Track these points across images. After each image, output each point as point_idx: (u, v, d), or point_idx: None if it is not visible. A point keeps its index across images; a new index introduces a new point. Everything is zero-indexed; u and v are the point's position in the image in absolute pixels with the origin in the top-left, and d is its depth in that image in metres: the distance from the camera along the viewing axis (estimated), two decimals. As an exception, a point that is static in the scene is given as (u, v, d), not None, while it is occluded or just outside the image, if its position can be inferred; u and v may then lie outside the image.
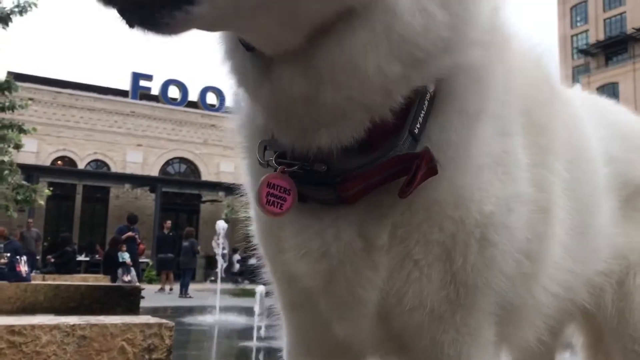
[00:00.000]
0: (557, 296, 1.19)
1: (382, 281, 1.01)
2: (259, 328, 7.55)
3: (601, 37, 60.92)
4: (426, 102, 0.95)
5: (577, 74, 62.23)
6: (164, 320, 3.77)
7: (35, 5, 15.82)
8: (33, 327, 3.44)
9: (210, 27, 0.87)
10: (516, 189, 1.03)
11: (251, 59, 0.95)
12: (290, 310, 1.24)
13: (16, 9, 15.64)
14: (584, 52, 62.72)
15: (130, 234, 16.47)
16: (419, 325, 1.03)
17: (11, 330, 3.40)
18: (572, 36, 65.10)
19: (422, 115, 0.94)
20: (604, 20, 61.65)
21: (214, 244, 12.61)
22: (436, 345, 1.04)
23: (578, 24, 64.96)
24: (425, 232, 0.98)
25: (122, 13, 0.79)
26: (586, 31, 63.33)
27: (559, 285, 1.18)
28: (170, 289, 17.55)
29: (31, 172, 21.67)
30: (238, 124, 1.13)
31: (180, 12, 0.77)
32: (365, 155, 0.95)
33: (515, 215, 1.03)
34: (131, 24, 0.80)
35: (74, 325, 3.51)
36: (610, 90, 53.95)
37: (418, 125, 0.94)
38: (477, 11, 0.95)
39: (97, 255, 22.51)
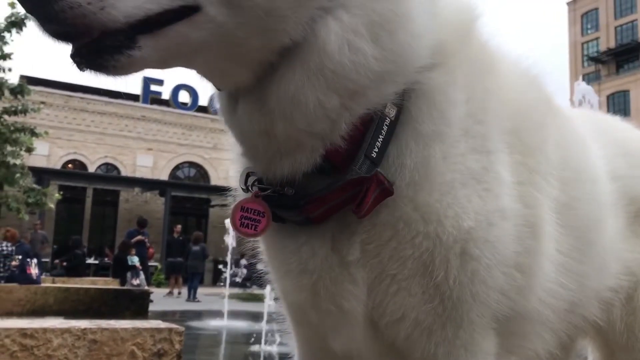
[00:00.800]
0: (559, 309, 1.21)
1: (363, 294, 1.05)
2: (267, 332, 7.56)
3: (612, 44, 60.70)
4: (385, 127, 1.00)
5: (588, 82, 61.97)
6: (173, 325, 3.80)
7: (49, 10, 15.99)
8: (45, 330, 3.48)
9: (158, 66, 0.97)
10: (498, 204, 1.05)
11: (223, 95, 1.07)
12: (295, 324, 1.29)
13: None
14: (595, 59, 62.48)
15: (139, 237, 16.57)
16: (408, 337, 1.06)
17: (23, 333, 3.44)
18: (582, 43, 64.88)
19: (380, 139, 1.00)
20: (615, 27, 61.43)
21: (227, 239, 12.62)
22: (430, 358, 1.06)
23: (589, 32, 64.75)
24: (396, 247, 1.02)
25: (72, 58, 0.87)
26: (597, 38, 63.11)
27: (559, 299, 1.19)
28: (179, 293, 17.61)
29: (42, 175, 21.79)
30: (232, 154, 1.22)
31: (123, 56, 0.86)
32: (327, 178, 1.01)
33: (498, 229, 1.05)
34: (81, 68, 0.89)
35: (85, 329, 3.55)
36: (621, 98, 53.71)
37: (376, 149, 1.00)
38: (414, 42, 1.00)
39: (106, 258, 22.62)
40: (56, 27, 0.85)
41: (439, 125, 1.02)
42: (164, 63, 0.97)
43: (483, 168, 1.05)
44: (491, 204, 1.04)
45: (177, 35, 0.90)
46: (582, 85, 7.68)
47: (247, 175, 1.10)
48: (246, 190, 1.09)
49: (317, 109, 0.95)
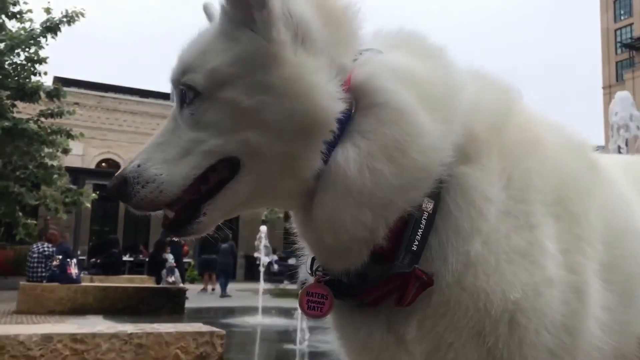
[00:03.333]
0: (604, 358, 1.26)
1: None
2: (302, 330, 7.64)
3: (646, 30, 59.24)
4: (424, 220, 1.10)
5: (620, 69, 60.64)
6: (215, 329, 3.93)
7: (83, 15, 16.34)
8: (94, 335, 3.64)
9: (226, 217, 1.21)
10: (544, 274, 1.12)
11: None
12: None
13: (64, 19, 16.18)
14: (628, 46, 60.96)
15: (174, 236, 16.81)
16: None
17: (74, 338, 3.60)
18: (615, 30, 63.41)
19: (419, 232, 1.09)
20: (650, 13, 59.93)
21: (258, 245, 12.80)
22: None
23: (622, 17, 63.22)
24: (450, 320, 1.11)
25: (164, 228, 1.19)
26: (631, 24, 61.57)
27: (603, 351, 1.24)
28: (213, 289, 17.87)
29: (77, 174, 22.26)
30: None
31: (195, 225, 1.15)
32: (378, 268, 1.12)
33: (544, 297, 1.11)
34: (172, 235, 1.24)
35: (131, 333, 3.70)
36: (656, 85, 52.36)
37: (416, 243, 1.09)
38: (430, 152, 1.09)
39: (140, 256, 23.01)
40: (139, 210, 1.16)
41: (477, 221, 1.10)
42: (229, 214, 1.21)
43: (528, 243, 1.12)
44: (538, 275, 1.11)
45: (230, 193, 1.13)
46: (622, 95, 7.38)
47: (313, 260, 1.23)
48: (312, 274, 1.22)
49: (354, 223, 1.08)
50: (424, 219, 1.10)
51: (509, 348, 1.10)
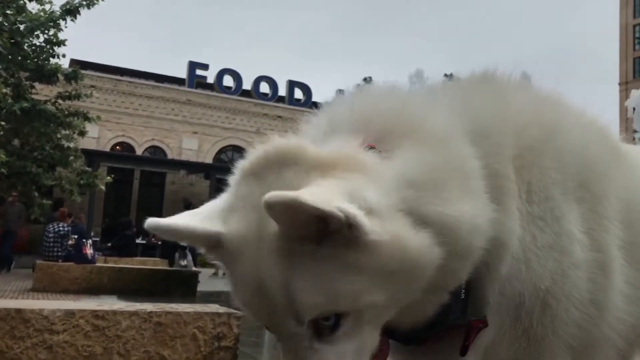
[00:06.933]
0: (625, 332, 1.35)
1: None
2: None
3: (666, 26, 58.41)
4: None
5: (638, 65, 59.91)
6: (232, 310, 4.00)
7: (103, -1, 16.45)
8: (115, 312, 3.73)
9: None
10: (570, 259, 1.21)
11: None
12: None
13: (84, 2, 16.27)
14: (648, 42, 60.24)
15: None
16: None
17: (95, 315, 3.70)
18: (634, 26, 62.51)
19: (463, 287, 1.18)
20: (670, 9, 59.06)
21: None
22: None
23: (642, 13, 62.44)
24: (494, 321, 1.22)
25: None
26: (651, 20, 60.82)
27: (625, 324, 1.33)
28: (224, 274, 18.01)
29: (92, 157, 22.46)
30: None
31: None
32: (429, 324, 1.20)
33: (572, 279, 1.21)
34: None
35: (150, 312, 3.78)
36: (674, 82, 51.64)
37: (462, 294, 1.19)
38: (482, 246, 1.15)
39: (153, 239, 23.20)
40: None
41: (508, 247, 1.20)
42: None
43: (556, 235, 1.21)
44: (565, 262, 1.20)
45: None
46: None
47: None
48: None
49: (434, 308, 1.16)
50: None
51: (543, 325, 1.19)
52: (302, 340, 1.04)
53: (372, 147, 1.11)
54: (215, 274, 18.12)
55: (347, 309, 1.02)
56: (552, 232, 1.22)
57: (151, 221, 1.14)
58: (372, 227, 0.97)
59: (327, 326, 1.02)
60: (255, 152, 1.12)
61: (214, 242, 1.09)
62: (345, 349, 1.04)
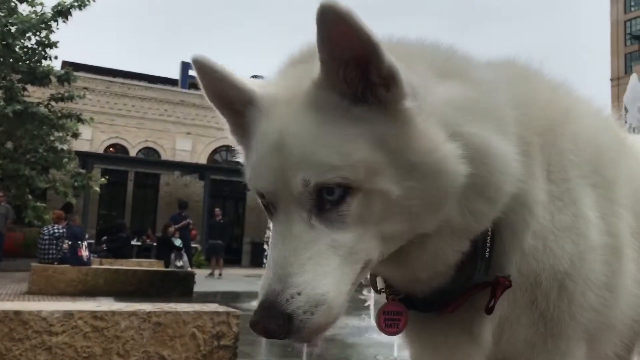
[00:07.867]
0: (632, 319, 1.38)
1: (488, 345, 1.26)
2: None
3: (657, 22, 58.68)
4: (490, 229, 1.19)
5: (630, 61, 60.16)
6: (231, 309, 4.00)
7: (94, -1, 16.40)
8: (113, 313, 3.71)
9: None
10: (587, 243, 1.24)
11: None
12: None
13: (75, 4, 16.22)
14: (638, 37, 60.50)
15: (185, 222, 16.99)
16: (515, 351, 1.26)
17: (94, 315, 3.69)
18: (625, 21, 62.82)
19: (488, 240, 1.19)
20: (661, 4, 59.35)
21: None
22: None
23: (632, 9, 62.62)
24: (511, 300, 1.23)
25: None
26: (641, 16, 61.13)
27: (636, 309, 1.37)
28: (220, 274, 18.01)
29: (86, 159, 22.38)
30: None
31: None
32: (458, 282, 1.21)
33: (589, 263, 1.23)
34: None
35: (149, 312, 3.78)
36: (665, 77, 51.85)
37: (487, 250, 1.19)
38: (513, 184, 1.15)
39: (148, 240, 23.16)
40: (306, 342, 1.06)
41: (528, 220, 1.21)
42: None
43: (573, 216, 1.24)
44: (582, 245, 1.23)
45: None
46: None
47: (373, 278, 1.32)
48: (378, 292, 1.32)
49: (454, 254, 1.16)
50: (491, 227, 1.19)
51: (560, 309, 1.21)
52: (301, 210, 1.02)
53: None
54: (211, 274, 18.10)
55: (359, 181, 1.00)
56: (570, 213, 1.24)
57: (198, 56, 1.22)
58: (409, 101, 1.01)
59: (329, 200, 1.01)
60: (305, 45, 1.16)
61: (247, 98, 1.15)
62: (340, 238, 1.01)
